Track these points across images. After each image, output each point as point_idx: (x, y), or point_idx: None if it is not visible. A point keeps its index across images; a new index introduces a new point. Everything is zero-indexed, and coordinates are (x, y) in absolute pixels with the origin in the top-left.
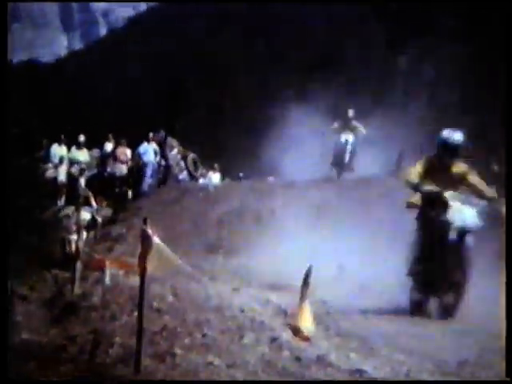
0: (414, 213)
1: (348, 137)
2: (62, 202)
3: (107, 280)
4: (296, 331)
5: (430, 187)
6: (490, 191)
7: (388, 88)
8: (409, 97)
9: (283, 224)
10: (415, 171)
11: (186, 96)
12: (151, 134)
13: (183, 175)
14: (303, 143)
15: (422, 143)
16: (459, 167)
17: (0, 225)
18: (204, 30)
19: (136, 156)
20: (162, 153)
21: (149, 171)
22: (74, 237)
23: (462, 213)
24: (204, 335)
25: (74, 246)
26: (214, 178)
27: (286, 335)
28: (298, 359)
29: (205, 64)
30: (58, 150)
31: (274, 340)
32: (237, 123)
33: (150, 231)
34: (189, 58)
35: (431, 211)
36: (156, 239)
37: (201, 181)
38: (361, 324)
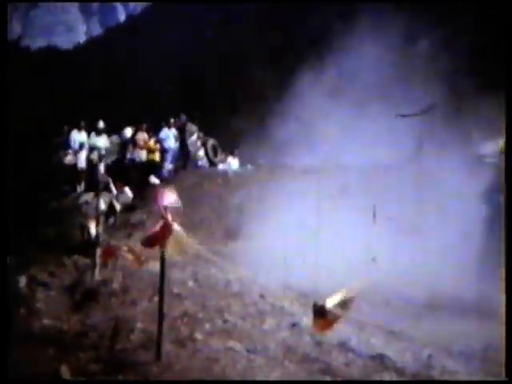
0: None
1: None
2: (81, 188)
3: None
4: (319, 312)
5: None
6: None
7: (404, 74)
8: (426, 84)
9: (302, 209)
10: None
11: (202, 83)
12: (172, 120)
13: (202, 161)
14: (318, 128)
15: (440, 131)
16: None
17: (0, 221)
18: (217, 17)
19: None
20: (182, 138)
21: (169, 157)
22: (94, 223)
23: None
24: (225, 321)
25: (93, 233)
26: (233, 163)
27: (307, 320)
28: (318, 344)
29: (218, 51)
30: (78, 137)
31: (294, 325)
32: (252, 110)
33: (169, 217)
34: (203, 45)
35: None
36: (176, 225)
37: (220, 166)
38: (382, 309)
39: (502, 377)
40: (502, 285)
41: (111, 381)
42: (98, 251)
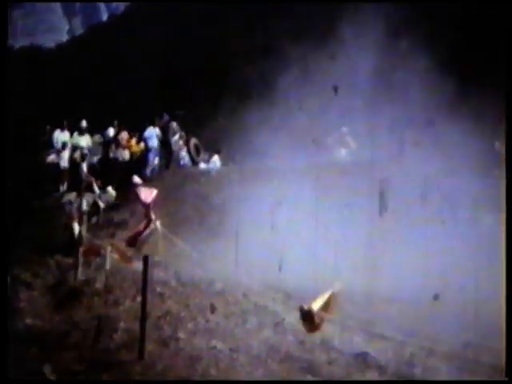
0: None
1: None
2: (64, 187)
3: (107, 266)
4: (307, 315)
5: None
6: None
7: (388, 73)
8: (408, 82)
9: (284, 207)
10: None
11: (185, 83)
12: (156, 119)
13: (185, 160)
14: (303, 129)
15: (424, 128)
16: None
17: (1, 217)
18: (204, 16)
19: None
20: (165, 138)
21: (152, 156)
22: (77, 223)
23: None
24: (207, 320)
25: (76, 232)
26: (216, 162)
27: (290, 319)
28: (301, 343)
29: (204, 51)
30: (61, 136)
31: (277, 324)
32: (236, 110)
33: (153, 216)
34: (188, 44)
35: None
36: (158, 224)
37: (203, 166)
38: (364, 307)
39: (482, 374)
40: (502, 284)
41: (110, 381)
42: (81, 251)
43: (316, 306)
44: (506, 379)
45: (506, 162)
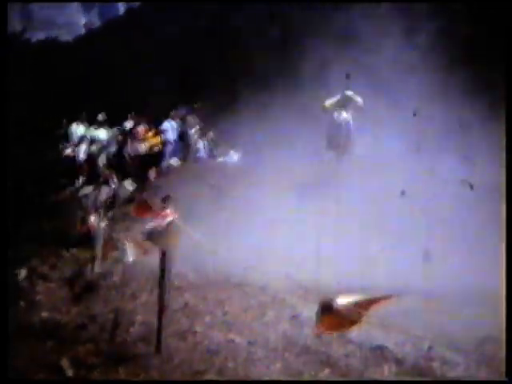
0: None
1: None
2: (81, 181)
3: (129, 258)
4: (327, 308)
5: None
6: None
7: (401, 67)
8: (425, 75)
9: (304, 201)
10: None
11: (203, 75)
12: (172, 112)
13: (202, 153)
14: (323, 124)
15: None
16: None
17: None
18: (221, 6)
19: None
20: (183, 131)
21: (169, 149)
22: (94, 216)
23: None
24: (225, 313)
25: (93, 226)
26: (234, 156)
27: (307, 312)
28: (318, 336)
29: (221, 42)
30: (78, 129)
31: (295, 317)
32: (254, 102)
33: (169, 210)
34: (205, 36)
35: None
36: (176, 217)
37: (219, 159)
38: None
39: (500, 369)
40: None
41: (109, 380)
42: (98, 244)
43: (343, 300)
44: (506, 379)
45: (506, 160)
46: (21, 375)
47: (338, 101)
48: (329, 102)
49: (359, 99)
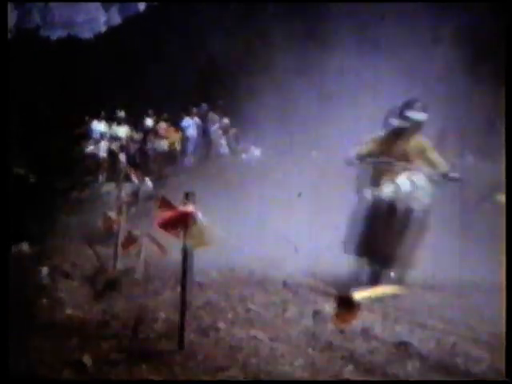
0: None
1: None
2: (102, 178)
3: (142, 257)
4: (345, 302)
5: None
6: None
7: (426, 62)
8: (448, 72)
9: (327, 196)
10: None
11: (225, 72)
12: (194, 109)
13: (224, 150)
14: (345, 120)
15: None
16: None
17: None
18: (242, 10)
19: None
20: (204, 127)
21: (191, 146)
22: (115, 213)
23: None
24: (247, 310)
25: (115, 223)
26: (256, 152)
27: (330, 308)
28: (342, 332)
29: (243, 39)
30: (99, 126)
31: (317, 313)
32: (276, 98)
33: (191, 206)
34: (227, 33)
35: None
36: (199, 214)
37: (242, 156)
38: (406, 296)
39: None
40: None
41: (111, 380)
42: (120, 241)
43: (360, 295)
44: (507, 380)
45: (506, 160)
46: (46, 372)
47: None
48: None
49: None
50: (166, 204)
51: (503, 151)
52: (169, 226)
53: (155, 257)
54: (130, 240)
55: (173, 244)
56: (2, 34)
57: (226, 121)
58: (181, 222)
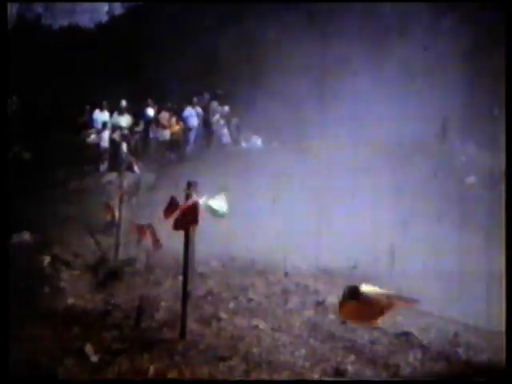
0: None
1: None
2: (104, 167)
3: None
4: (354, 293)
5: None
6: None
7: (427, 52)
8: (448, 61)
9: (328, 185)
10: None
11: (226, 61)
12: (195, 99)
13: (226, 139)
14: (344, 107)
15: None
16: None
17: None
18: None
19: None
20: (206, 117)
21: (192, 135)
22: (117, 202)
23: None
24: (249, 300)
25: (117, 212)
26: (257, 142)
27: (332, 298)
28: (343, 322)
29: (243, 28)
30: (101, 116)
31: (319, 303)
32: (277, 88)
33: (194, 196)
34: (228, 22)
35: None
36: (202, 199)
37: (243, 145)
38: (407, 287)
39: None
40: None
41: (110, 380)
42: (122, 231)
43: (369, 288)
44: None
45: (506, 159)
46: (48, 360)
47: None
48: None
49: None
50: (173, 205)
51: (503, 138)
52: (179, 225)
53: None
54: (133, 230)
55: (174, 234)
56: (1, 26)
57: (226, 110)
58: (189, 217)
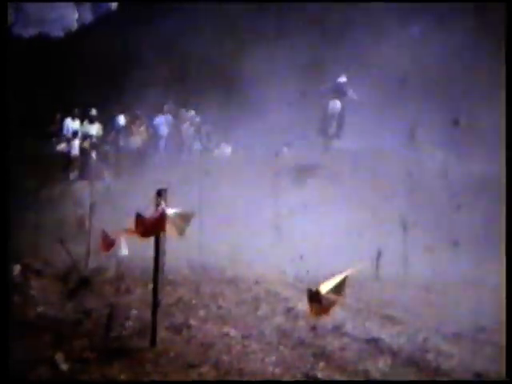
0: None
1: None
2: (74, 176)
3: (124, 251)
4: (314, 297)
5: None
6: None
7: (399, 57)
8: (419, 66)
9: (298, 194)
10: None
11: (196, 70)
12: (165, 107)
13: (196, 146)
14: (312, 114)
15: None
16: None
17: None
18: (214, 3)
19: (151, 128)
20: (176, 125)
21: (162, 143)
22: (87, 211)
23: None
24: (219, 307)
25: (87, 220)
26: (227, 149)
27: (302, 305)
28: (313, 329)
29: (215, 37)
30: (71, 124)
31: (289, 310)
32: (247, 96)
33: (163, 204)
34: (198, 31)
35: None
36: (171, 210)
37: (213, 153)
38: (377, 292)
39: (495, 360)
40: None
41: (111, 380)
42: (92, 239)
43: (325, 288)
44: (507, 380)
45: (506, 159)
46: (19, 370)
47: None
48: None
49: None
50: (140, 220)
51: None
52: (147, 233)
53: (127, 254)
54: (108, 242)
55: (145, 242)
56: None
57: (197, 119)
58: (157, 227)
